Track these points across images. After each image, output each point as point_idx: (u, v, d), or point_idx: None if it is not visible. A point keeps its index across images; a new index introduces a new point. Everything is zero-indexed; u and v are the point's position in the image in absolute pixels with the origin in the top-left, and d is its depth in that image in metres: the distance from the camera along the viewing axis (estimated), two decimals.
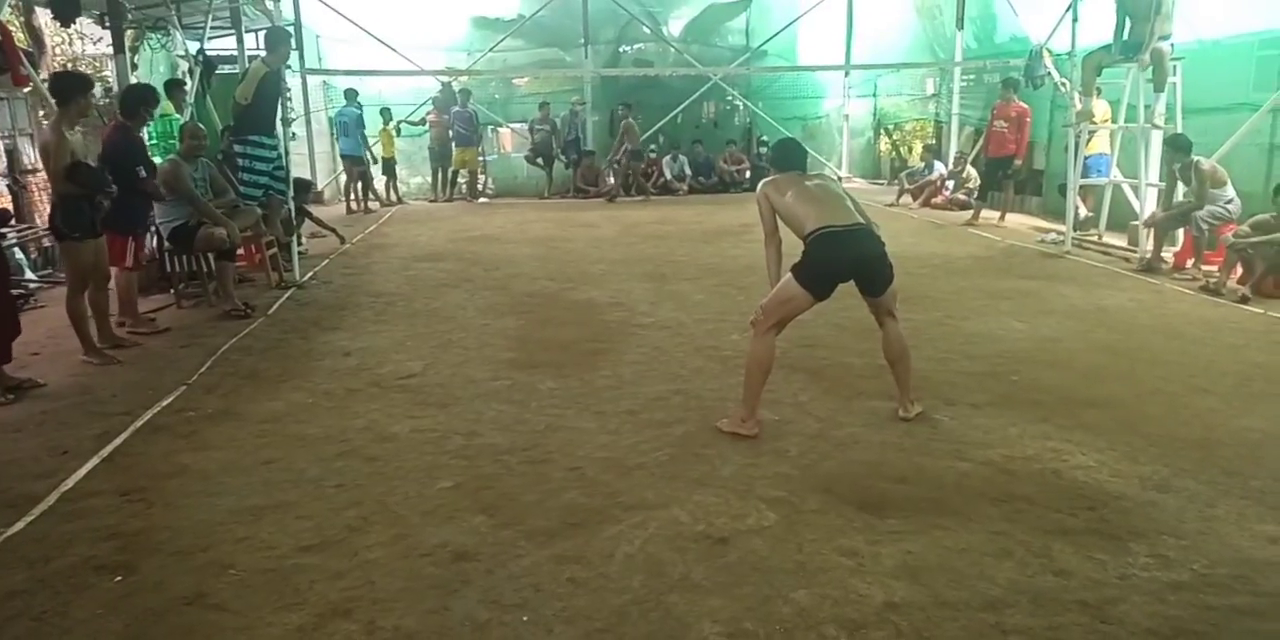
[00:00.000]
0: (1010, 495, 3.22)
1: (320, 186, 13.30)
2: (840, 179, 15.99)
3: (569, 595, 2.61)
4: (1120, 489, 3.27)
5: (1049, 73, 10.16)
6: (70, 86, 5.12)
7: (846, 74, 15.94)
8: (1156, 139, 8.07)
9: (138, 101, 5.67)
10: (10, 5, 6.47)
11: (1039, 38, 10.76)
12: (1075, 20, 8.93)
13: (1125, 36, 7.84)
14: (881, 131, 16.47)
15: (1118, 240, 8.71)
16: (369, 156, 12.95)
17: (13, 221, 7.17)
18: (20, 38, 9.11)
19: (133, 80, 8.60)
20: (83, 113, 5.13)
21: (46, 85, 6.09)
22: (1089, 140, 8.87)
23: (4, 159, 9.60)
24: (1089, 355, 5.04)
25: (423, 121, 14.30)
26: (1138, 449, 3.64)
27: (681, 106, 15.47)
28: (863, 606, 2.52)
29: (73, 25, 10.03)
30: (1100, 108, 9.00)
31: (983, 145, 11.47)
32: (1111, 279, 7.31)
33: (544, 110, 14.70)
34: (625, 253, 8.88)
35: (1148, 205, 8.09)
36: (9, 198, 9.15)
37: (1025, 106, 10.51)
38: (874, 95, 16.44)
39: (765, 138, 15.03)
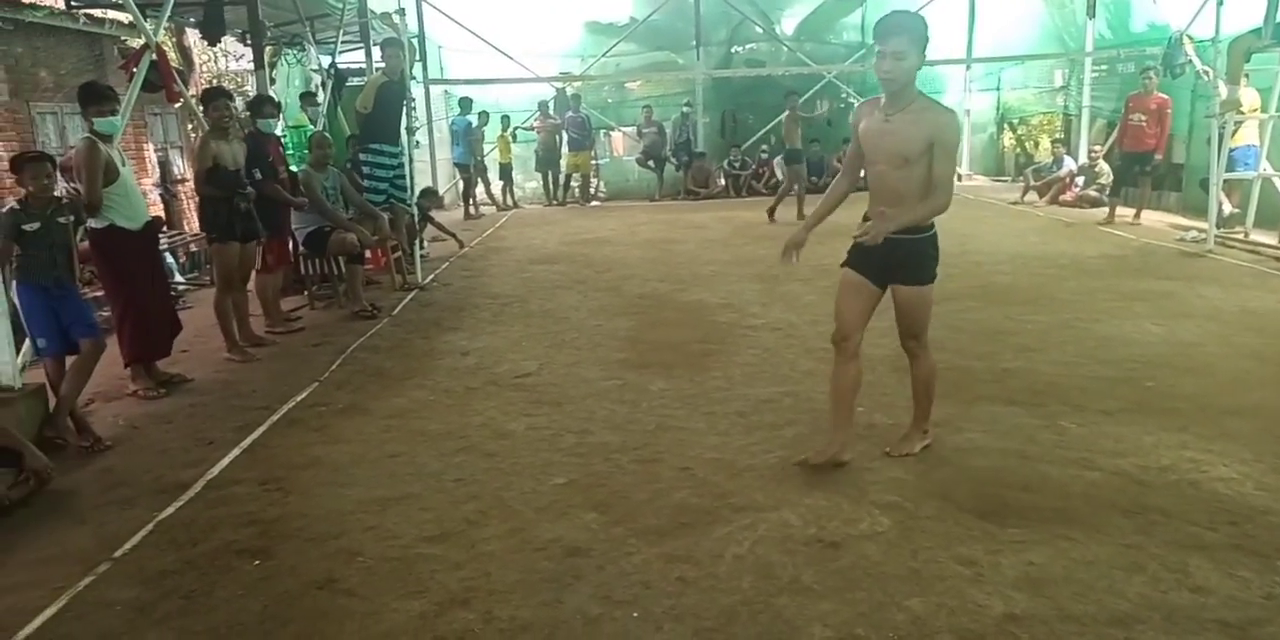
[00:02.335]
0: (1143, 507, 3.06)
1: (440, 192, 13.79)
2: (961, 178, 15.58)
3: (678, 594, 2.64)
4: (1267, 503, 3.06)
5: (1190, 61, 9.57)
6: (204, 99, 5.67)
7: (968, 67, 15.42)
8: None
9: (249, 108, 6.23)
10: (164, 27, 6.98)
11: (1179, 24, 10.15)
12: (1220, 3, 8.39)
13: (1279, 19, 7.30)
14: (1005, 126, 15.85)
15: (1267, 238, 8.13)
16: (475, 164, 13.33)
17: (165, 228, 7.73)
18: (172, 57, 9.81)
19: (271, 93, 9.13)
20: (217, 122, 5.49)
21: (195, 100, 6.57)
22: (1235, 131, 8.30)
23: (158, 170, 10.35)
24: (1233, 360, 4.73)
25: (532, 128, 14.65)
26: None
27: None
28: (981, 617, 2.44)
29: (218, 44, 10.72)
30: (1249, 96, 8.42)
31: (1116, 139, 10.82)
32: (1259, 279, 6.82)
33: (647, 113, 14.84)
34: (736, 254, 8.86)
35: None
36: (162, 206, 9.87)
37: (1166, 97, 9.79)
38: (997, 89, 15.84)
39: None
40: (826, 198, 3.51)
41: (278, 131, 9.00)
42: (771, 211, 11.16)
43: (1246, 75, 8.10)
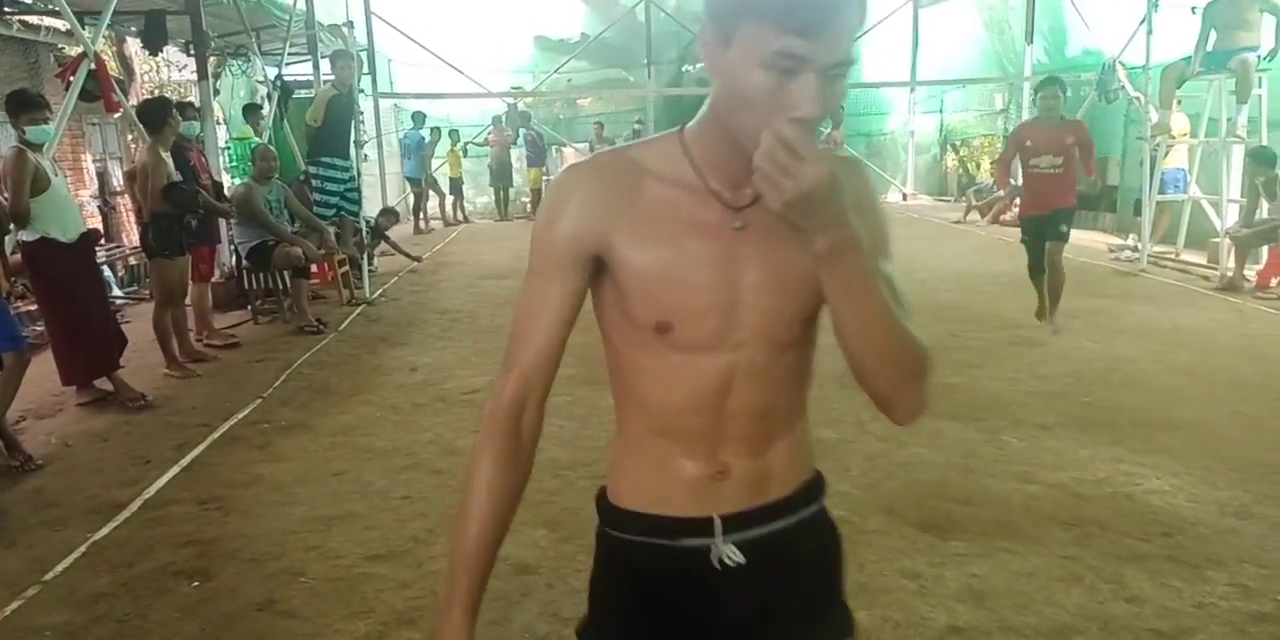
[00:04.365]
0: (1080, 519, 3.14)
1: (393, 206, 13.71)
2: (905, 197, 15.94)
3: None
4: (1197, 515, 3.16)
5: (1122, 86, 9.92)
6: (157, 111, 5.48)
7: (912, 90, 15.80)
8: (1238, 153, 7.82)
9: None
10: (104, 36, 6.83)
11: (1112, 51, 10.53)
12: (1150, 32, 8.73)
13: (1209, 48, 7.63)
14: (948, 147, 16.25)
15: (1196, 258, 8.44)
16: (426, 179, 13.31)
17: (102, 241, 7.52)
18: (112, 66, 9.59)
19: (215, 105, 8.98)
20: (174, 135, 5.43)
21: (135, 111, 6.43)
22: (1166, 154, 8.62)
23: (96, 181, 10.09)
24: (1165, 376, 4.89)
25: (486, 142, 14.65)
26: (1216, 474, 3.51)
27: None
28: (925, 629, 2.48)
29: (160, 53, 10.52)
30: (1179, 121, 8.77)
31: (1007, 202, 8.62)
32: (1189, 298, 7.08)
33: (598, 129, 14.92)
34: None
35: (1228, 222, 7.84)
36: (100, 218, 9.61)
37: (1076, 121, 6.17)
38: (940, 111, 16.25)
39: None
40: (489, 510, 1.13)
41: (221, 141, 8.86)
42: None
43: (1178, 101, 8.44)
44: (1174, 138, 8.58)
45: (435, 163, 13.68)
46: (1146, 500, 3.30)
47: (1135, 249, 8.68)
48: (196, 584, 2.86)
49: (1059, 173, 5.59)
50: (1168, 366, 5.08)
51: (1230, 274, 7.35)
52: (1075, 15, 12.12)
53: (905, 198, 15.89)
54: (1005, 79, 14.26)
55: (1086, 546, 2.94)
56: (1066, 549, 2.92)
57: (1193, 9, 8.03)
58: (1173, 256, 8.66)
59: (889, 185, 16.21)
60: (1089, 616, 2.52)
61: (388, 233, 9.46)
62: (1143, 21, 9.01)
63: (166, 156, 5.39)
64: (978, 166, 15.39)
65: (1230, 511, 3.18)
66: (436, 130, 13.42)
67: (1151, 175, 8.40)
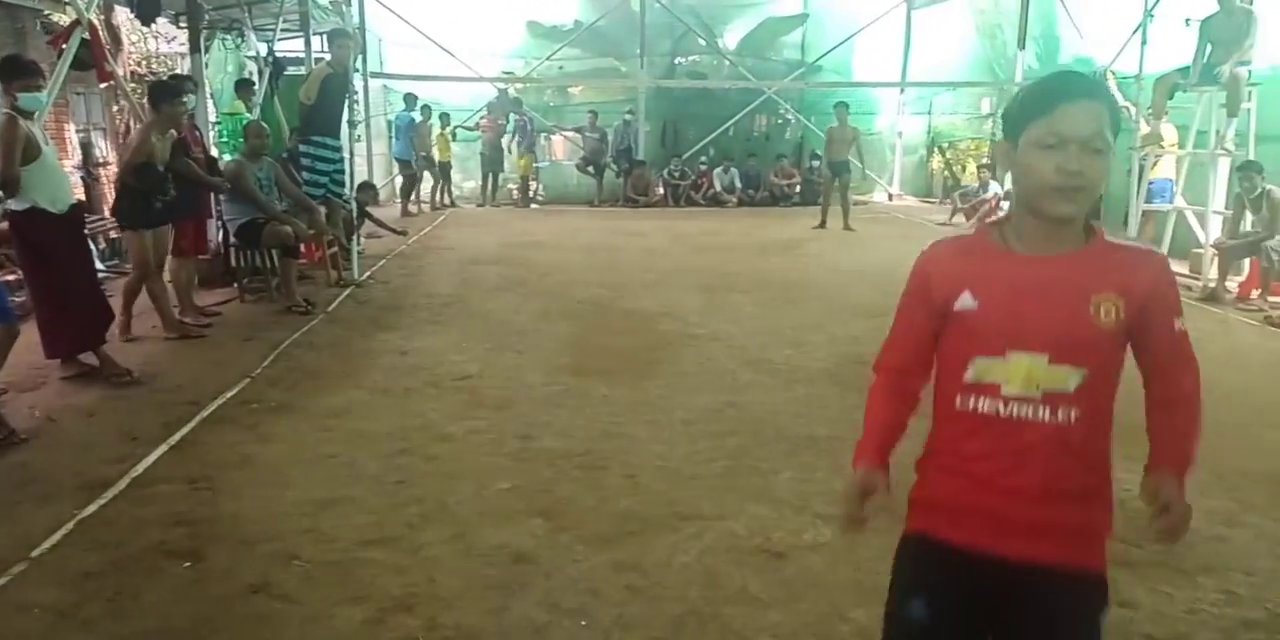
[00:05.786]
0: None
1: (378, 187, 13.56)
2: (891, 197, 16.01)
3: (626, 602, 2.63)
4: None
5: (1113, 96, 10.01)
6: (164, 92, 5.48)
7: (902, 91, 15.86)
8: (1224, 166, 7.92)
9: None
10: (96, 4, 6.70)
11: (1103, 60, 10.63)
12: (1144, 43, 8.81)
13: (1205, 60, 7.71)
14: (935, 150, 16.34)
15: (1179, 268, 8.54)
16: (421, 159, 13.22)
17: (87, 213, 7.40)
18: (102, 35, 9.41)
19: (205, 79, 8.85)
20: (174, 119, 5.39)
21: (135, 88, 6.34)
22: (1154, 164, 8.72)
23: (79, 152, 9.91)
24: None
25: (477, 126, 14.53)
26: (1204, 483, 3.54)
27: (734, 119, 15.49)
28: None
29: (152, 24, 10.35)
30: (1168, 132, 8.86)
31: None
32: None
33: (591, 118, 14.84)
34: (676, 263, 8.91)
35: (1212, 233, 7.94)
36: (83, 189, 9.44)
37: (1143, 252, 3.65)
38: (928, 113, 16.32)
39: (818, 152, 15.01)
40: None
41: (211, 116, 8.73)
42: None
43: (1166, 111, 8.53)
44: (1163, 148, 8.67)
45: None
46: (1137, 506, 3.31)
47: None
48: (189, 565, 2.83)
49: (1068, 426, 1.48)
50: None
51: (1213, 285, 7.46)
52: (1068, 23, 12.23)
53: (891, 198, 15.98)
54: (997, 83, 14.35)
55: None
56: None
57: (1186, 21, 8.12)
58: None
59: (875, 185, 16.31)
60: None
61: (368, 209, 9.38)
62: (1136, 30, 9.08)
63: (162, 141, 5.35)
64: (963, 169, 15.50)
65: (1219, 520, 3.22)
66: (427, 109, 13.30)
67: (1139, 185, 8.49)
